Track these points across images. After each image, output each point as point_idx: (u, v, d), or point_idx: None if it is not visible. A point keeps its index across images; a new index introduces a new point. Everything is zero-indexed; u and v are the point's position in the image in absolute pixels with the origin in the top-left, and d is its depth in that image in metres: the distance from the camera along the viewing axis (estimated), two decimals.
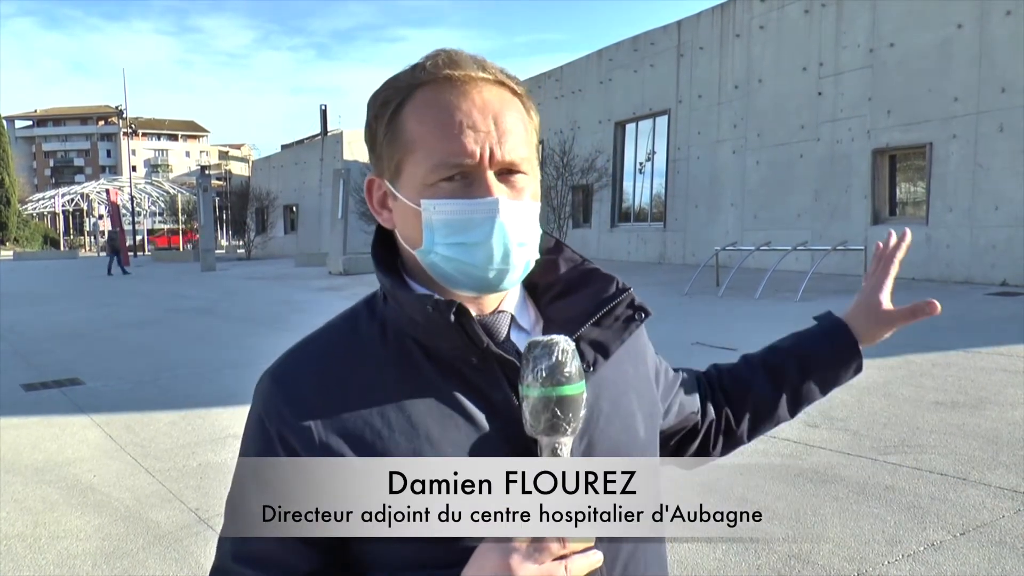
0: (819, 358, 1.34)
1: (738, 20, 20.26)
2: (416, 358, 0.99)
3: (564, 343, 0.91)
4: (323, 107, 42.51)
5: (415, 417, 0.96)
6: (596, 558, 0.90)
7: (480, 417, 0.96)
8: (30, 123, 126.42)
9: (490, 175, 0.95)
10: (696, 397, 1.32)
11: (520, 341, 1.01)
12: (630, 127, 24.48)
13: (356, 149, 37.27)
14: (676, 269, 19.80)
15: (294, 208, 44.13)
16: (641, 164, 24.29)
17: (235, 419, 6.95)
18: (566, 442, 0.90)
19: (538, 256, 1.04)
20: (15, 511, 4.98)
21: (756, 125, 19.71)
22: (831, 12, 17.72)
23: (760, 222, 19.40)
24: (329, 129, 42.42)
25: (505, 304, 1.05)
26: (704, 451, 1.34)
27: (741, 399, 1.35)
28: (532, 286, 1.10)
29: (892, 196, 17.19)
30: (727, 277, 15.30)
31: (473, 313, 0.98)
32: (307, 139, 47.96)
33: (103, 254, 56.89)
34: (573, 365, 0.90)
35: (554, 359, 0.89)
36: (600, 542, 0.94)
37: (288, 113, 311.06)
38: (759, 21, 19.64)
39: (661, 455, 1.26)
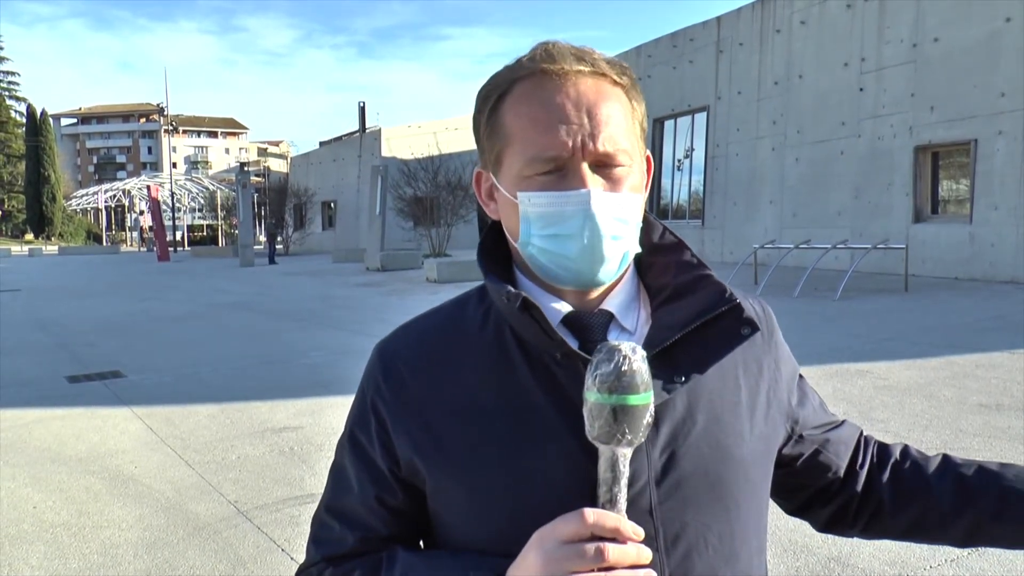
0: None
1: (778, 15, 20.03)
2: (509, 347, 1.00)
3: (628, 350, 0.86)
4: (361, 104, 42.81)
5: (497, 404, 0.97)
6: None
7: (557, 412, 0.95)
8: (75, 121, 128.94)
9: (584, 167, 0.95)
10: (840, 456, 1.18)
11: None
12: (668, 124, 24.33)
13: (394, 146, 37.49)
14: (714, 267, 19.18)
15: (332, 204, 44.50)
16: (679, 161, 24.14)
17: (273, 413, 7.03)
18: (624, 452, 0.87)
19: (638, 250, 1.03)
20: (60, 500, 5.08)
21: (796, 122, 19.48)
22: (873, 7, 17.46)
23: (799, 220, 19.18)
24: (367, 126, 42.68)
25: (608, 303, 1.03)
26: (840, 521, 1.21)
27: (909, 496, 1.17)
28: (647, 287, 1.08)
29: (934, 194, 16.90)
30: (765, 275, 15.14)
31: (566, 309, 1.01)
32: (345, 136, 48.25)
33: (145, 249, 57.85)
34: (636, 375, 0.85)
35: (613, 365, 0.85)
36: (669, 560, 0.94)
37: (327, 110, 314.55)
38: (800, 16, 19.40)
39: (784, 498, 1.21)
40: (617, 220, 0.96)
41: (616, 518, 0.85)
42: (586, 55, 0.98)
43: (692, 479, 0.96)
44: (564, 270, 0.98)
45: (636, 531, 0.85)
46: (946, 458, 1.20)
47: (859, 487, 1.18)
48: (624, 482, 0.87)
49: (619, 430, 0.85)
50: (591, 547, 0.83)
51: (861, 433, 1.23)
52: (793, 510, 1.23)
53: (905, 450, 1.22)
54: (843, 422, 1.22)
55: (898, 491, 1.17)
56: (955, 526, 1.14)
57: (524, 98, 0.97)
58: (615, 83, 0.99)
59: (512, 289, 0.97)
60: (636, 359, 0.85)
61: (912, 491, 1.17)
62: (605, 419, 0.85)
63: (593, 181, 0.95)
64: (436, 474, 0.99)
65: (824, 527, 1.23)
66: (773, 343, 1.11)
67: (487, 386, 0.98)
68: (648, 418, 0.87)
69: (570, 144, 0.94)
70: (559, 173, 0.95)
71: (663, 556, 0.94)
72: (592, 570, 0.83)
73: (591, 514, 0.84)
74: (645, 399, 0.85)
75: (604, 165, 0.96)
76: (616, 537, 0.84)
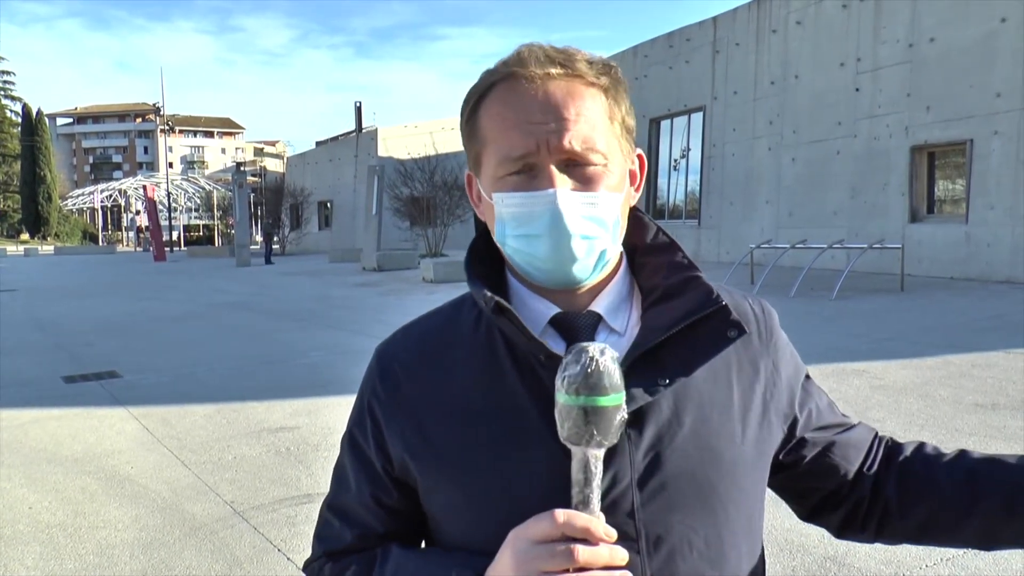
0: None
1: (774, 15, 20.04)
2: (499, 348, 1.01)
3: (596, 351, 0.85)
4: (358, 104, 42.69)
5: (487, 406, 0.98)
6: None
7: (541, 415, 0.95)
8: (71, 120, 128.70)
9: (552, 167, 0.95)
10: (849, 459, 1.15)
11: (608, 343, 0.96)
12: (665, 124, 24.33)
13: (391, 146, 37.46)
14: (710, 267, 19.64)
15: (328, 204, 44.46)
16: (676, 161, 24.14)
17: (270, 413, 7.03)
18: (596, 453, 0.86)
19: (620, 249, 1.03)
20: (56, 501, 5.07)
21: (792, 121, 19.49)
22: (869, 7, 17.47)
23: (796, 220, 19.20)
24: (364, 126, 42.63)
25: (597, 304, 1.03)
26: (851, 526, 1.17)
27: (916, 495, 1.12)
28: (640, 288, 1.08)
29: (930, 194, 16.92)
30: (762, 275, 15.17)
31: (553, 311, 1.01)
32: (342, 136, 48.21)
33: (141, 249, 57.76)
34: (604, 376, 0.84)
35: (579, 367, 0.84)
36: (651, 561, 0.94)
37: (324, 110, 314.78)
38: (796, 16, 19.41)
39: (796, 502, 1.20)
40: (587, 219, 0.96)
41: (587, 518, 0.84)
42: (561, 56, 0.98)
43: (677, 481, 0.96)
44: (537, 270, 0.99)
45: (608, 532, 0.85)
46: (961, 454, 1.15)
47: (867, 489, 1.14)
48: (597, 483, 0.86)
49: (588, 431, 0.85)
50: (561, 547, 0.83)
51: (876, 435, 1.20)
52: (806, 515, 1.20)
53: (918, 448, 1.17)
54: (856, 425, 1.19)
55: (904, 490, 1.13)
56: (968, 525, 1.09)
57: (497, 101, 0.98)
58: (591, 83, 0.98)
59: (488, 293, 0.98)
60: (604, 360, 0.85)
61: (919, 490, 1.12)
62: (574, 420, 0.85)
63: (561, 181, 0.95)
64: (427, 474, 1.00)
65: (838, 532, 1.19)
66: (772, 344, 1.10)
67: (479, 388, 0.99)
68: (620, 419, 0.86)
69: (535, 143, 0.95)
70: (529, 174, 0.96)
71: (645, 558, 0.94)
72: (566, 570, 0.83)
73: (561, 514, 0.84)
74: (615, 400, 0.85)
75: (575, 164, 0.96)
76: (587, 538, 0.84)
